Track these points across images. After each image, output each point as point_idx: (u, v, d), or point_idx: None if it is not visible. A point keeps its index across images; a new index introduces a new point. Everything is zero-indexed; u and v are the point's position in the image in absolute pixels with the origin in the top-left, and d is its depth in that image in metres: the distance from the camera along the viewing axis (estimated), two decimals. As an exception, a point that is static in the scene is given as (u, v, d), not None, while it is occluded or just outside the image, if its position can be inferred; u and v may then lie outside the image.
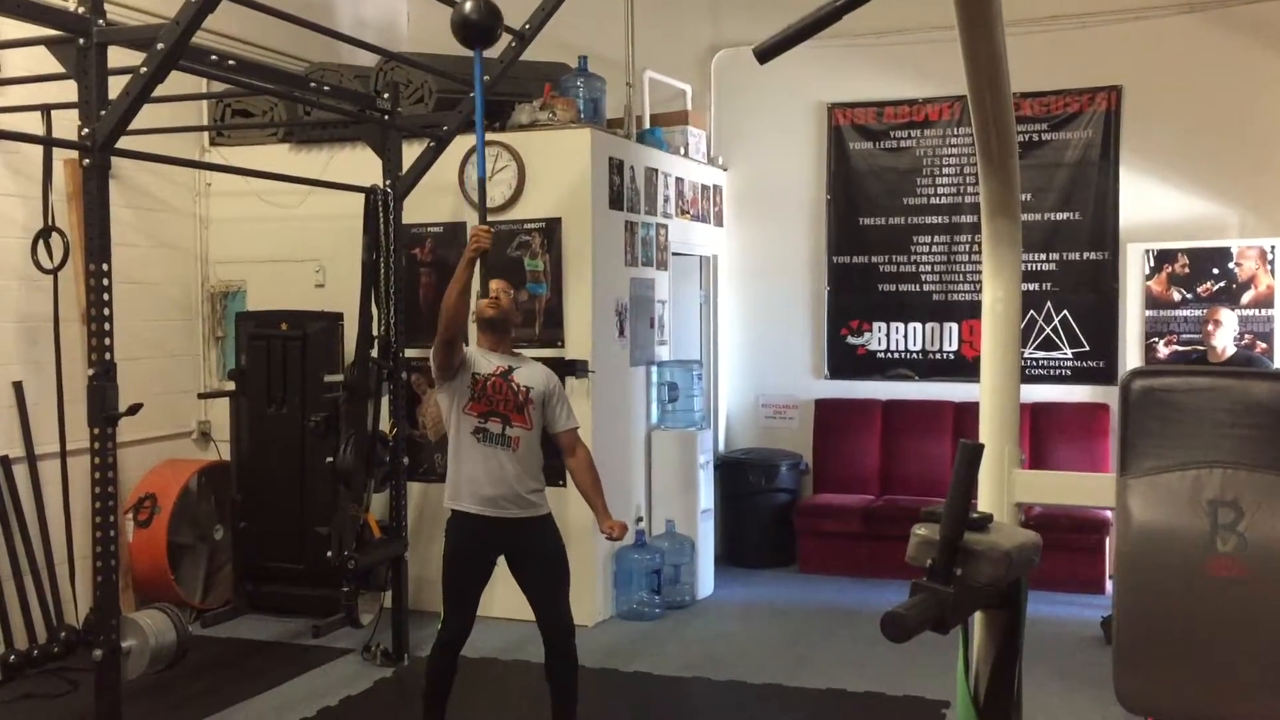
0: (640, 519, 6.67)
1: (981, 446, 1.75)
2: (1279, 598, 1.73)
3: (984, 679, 1.91)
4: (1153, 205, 7.28)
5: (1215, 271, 6.97)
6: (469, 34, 4.65)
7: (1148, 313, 7.11)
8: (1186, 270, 7.03)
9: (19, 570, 5.66)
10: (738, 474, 7.73)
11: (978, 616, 1.94)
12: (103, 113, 4.16)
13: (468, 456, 4.25)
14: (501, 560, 4.36)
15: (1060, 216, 7.46)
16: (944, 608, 1.67)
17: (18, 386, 5.78)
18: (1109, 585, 6.86)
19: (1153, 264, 7.10)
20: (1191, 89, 7.20)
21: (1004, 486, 2.08)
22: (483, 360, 4.34)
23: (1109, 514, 6.75)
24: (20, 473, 5.74)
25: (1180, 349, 6.96)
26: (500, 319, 4.41)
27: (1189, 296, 7.01)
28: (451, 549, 4.29)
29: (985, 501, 2.09)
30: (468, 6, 4.62)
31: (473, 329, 4.55)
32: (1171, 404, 1.84)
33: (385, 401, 5.90)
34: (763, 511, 7.71)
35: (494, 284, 4.49)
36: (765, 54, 1.77)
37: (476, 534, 4.27)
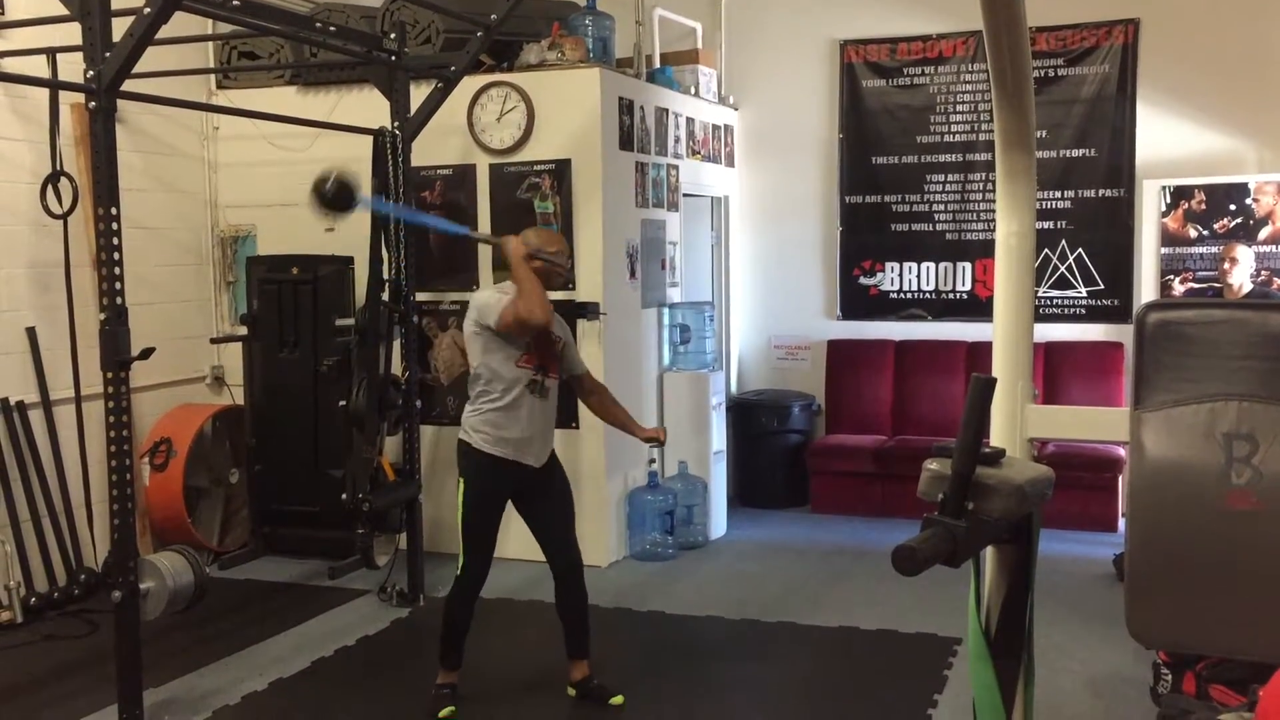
0: (653, 460, 6.69)
1: (994, 380, 1.73)
2: (1293, 530, 1.72)
3: (995, 614, 1.91)
4: (1170, 141, 7.18)
5: (1232, 208, 6.89)
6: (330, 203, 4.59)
7: (1163, 250, 7.05)
8: (1203, 207, 6.95)
9: (37, 514, 5.72)
10: (750, 415, 7.74)
11: (989, 552, 1.93)
12: (107, 55, 4.12)
13: (516, 406, 4.26)
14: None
15: (1075, 153, 7.37)
16: (956, 541, 1.66)
17: (31, 332, 5.80)
18: (1121, 523, 6.87)
19: (1169, 201, 7.03)
20: (1210, 22, 7.08)
21: (1017, 421, 2.07)
22: None
23: (1121, 452, 6.76)
24: (36, 418, 5.78)
25: (1196, 286, 6.91)
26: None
27: (1205, 233, 6.94)
28: (478, 494, 4.30)
29: (998, 437, 2.08)
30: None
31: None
32: (1187, 337, 1.82)
33: (397, 345, 5.90)
34: (775, 452, 7.73)
35: (559, 240, 4.50)
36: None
37: (505, 479, 4.32)
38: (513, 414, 4.26)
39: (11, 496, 5.62)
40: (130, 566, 4.28)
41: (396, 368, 5.94)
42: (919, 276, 7.80)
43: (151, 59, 4.52)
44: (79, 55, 4.20)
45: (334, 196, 4.55)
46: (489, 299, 4.29)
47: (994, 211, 2.14)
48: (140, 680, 4.29)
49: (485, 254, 6.44)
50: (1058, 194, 7.39)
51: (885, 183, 7.82)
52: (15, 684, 4.79)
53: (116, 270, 4.20)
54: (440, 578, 5.94)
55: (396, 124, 5.70)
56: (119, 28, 4.16)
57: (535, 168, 6.32)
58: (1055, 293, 7.45)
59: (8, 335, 5.73)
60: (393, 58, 5.67)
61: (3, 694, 4.70)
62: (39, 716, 4.47)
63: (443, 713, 4.36)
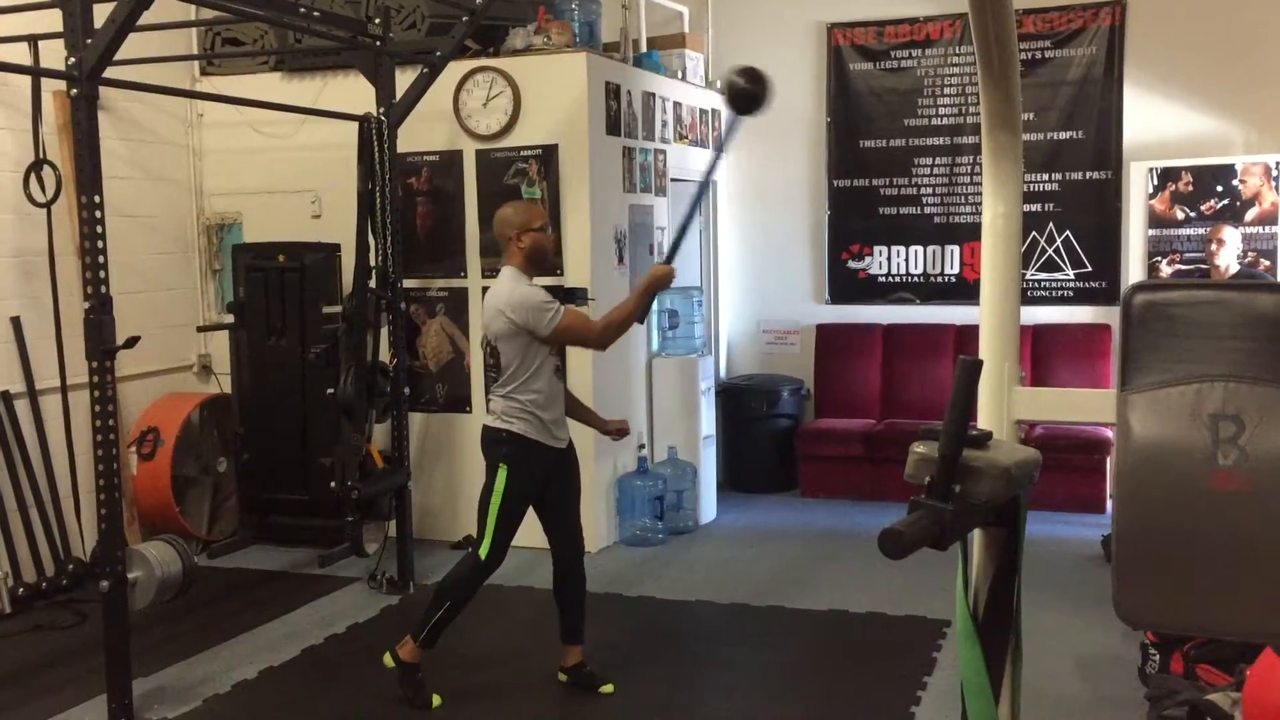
0: (642, 446, 6.69)
1: (980, 362, 1.73)
2: (1279, 510, 1.72)
3: (983, 597, 1.90)
4: (1157, 123, 7.19)
5: (1219, 189, 6.91)
6: (740, 104, 4.27)
7: (1151, 232, 7.06)
8: (1190, 188, 6.96)
9: (24, 504, 5.69)
10: (739, 400, 7.74)
11: (977, 535, 1.93)
12: (88, 41, 4.08)
13: (552, 393, 4.33)
14: None
15: (1063, 136, 7.37)
16: (942, 524, 1.65)
17: (15, 321, 5.76)
18: (1109, 505, 6.90)
19: (1156, 182, 7.04)
20: (1197, 4, 7.08)
21: (1003, 404, 2.06)
22: None
23: (1109, 434, 6.78)
24: (22, 408, 5.75)
25: (1183, 268, 6.93)
26: None
27: (1192, 215, 6.96)
28: (522, 480, 4.29)
29: (985, 419, 2.07)
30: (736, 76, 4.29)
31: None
32: (1174, 318, 1.81)
33: (384, 332, 5.88)
34: (764, 437, 7.74)
35: (542, 213, 4.68)
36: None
37: (546, 464, 4.35)
38: (547, 399, 4.32)
39: (-2, 487, 5.60)
40: (118, 556, 4.26)
41: (384, 355, 5.93)
42: (907, 260, 7.80)
43: (134, 45, 4.48)
44: (61, 42, 4.17)
45: (745, 89, 4.22)
46: (534, 300, 4.23)
47: (981, 195, 2.14)
48: (129, 670, 4.28)
49: (474, 241, 6.42)
50: (1045, 176, 7.40)
51: (873, 166, 7.81)
52: (3, 675, 4.77)
53: (100, 259, 4.18)
54: (429, 565, 5.94)
55: (382, 110, 5.67)
56: (100, 14, 4.13)
57: (522, 153, 6.30)
58: (1043, 275, 7.46)
59: (-8, 325, 5.70)
60: (378, 43, 5.64)
61: (-9, 685, 4.69)
62: (28, 707, 4.46)
63: (436, 701, 4.35)
